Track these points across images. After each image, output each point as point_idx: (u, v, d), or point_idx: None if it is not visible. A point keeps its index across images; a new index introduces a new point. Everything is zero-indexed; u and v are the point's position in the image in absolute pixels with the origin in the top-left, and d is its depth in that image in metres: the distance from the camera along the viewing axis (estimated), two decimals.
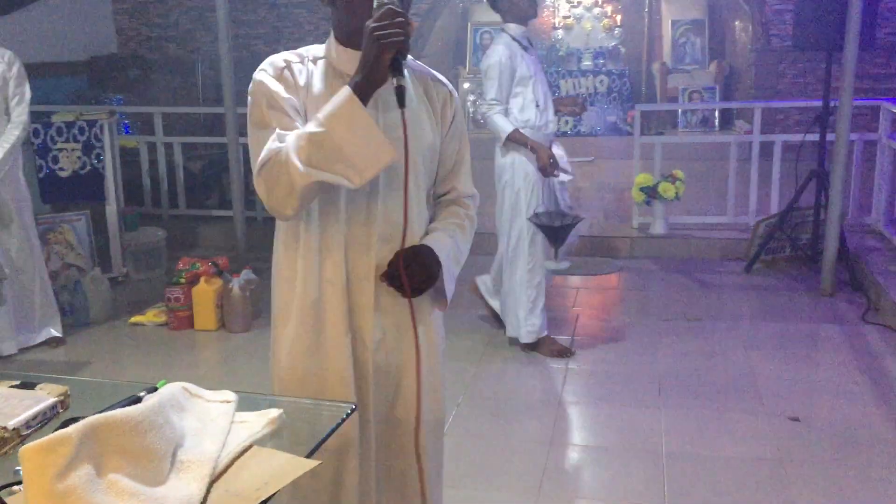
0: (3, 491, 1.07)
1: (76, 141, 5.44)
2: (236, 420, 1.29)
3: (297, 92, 1.70)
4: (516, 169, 4.07)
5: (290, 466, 1.16)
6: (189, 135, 7.45)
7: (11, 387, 1.42)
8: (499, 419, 3.59)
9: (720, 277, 5.50)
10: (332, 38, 1.77)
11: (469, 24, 10.06)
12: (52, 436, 1.00)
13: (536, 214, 4.06)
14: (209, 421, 1.25)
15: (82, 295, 4.86)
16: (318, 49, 1.79)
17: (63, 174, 5.42)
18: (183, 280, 4.73)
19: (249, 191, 6.59)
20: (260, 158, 1.61)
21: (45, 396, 1.37)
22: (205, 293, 4.70)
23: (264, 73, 1.70)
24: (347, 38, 1.72)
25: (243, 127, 7.15)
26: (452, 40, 10.21)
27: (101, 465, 1.02)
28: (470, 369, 4.08)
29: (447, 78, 1.90)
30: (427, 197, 1.86)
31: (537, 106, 4.05)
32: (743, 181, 6.05)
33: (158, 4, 9.65)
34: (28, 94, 4.16)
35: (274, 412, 1.34)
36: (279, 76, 1.70)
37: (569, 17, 10.14)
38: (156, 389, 1.35)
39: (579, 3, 10.16)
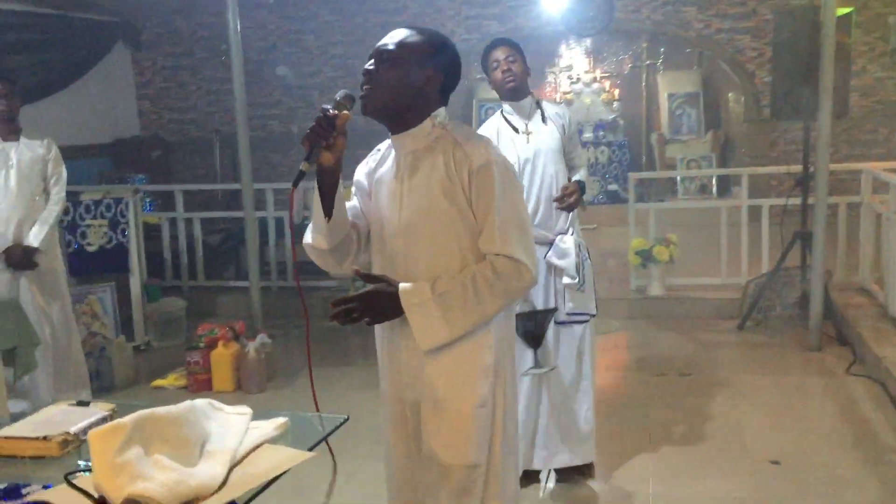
0: (71, 475, 1.35)
1: (103, 217, 5.83)
2: (251, 426, 1.58)
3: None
4: None
5: (294, 457, 1.45)
6: (207, 210, 7.83)
7: (70, 405, 1.72)
8: None
9: (714, 335, 5.75)
10: None
11: (474, 101, 10.53)
12: (112, 422, 1.31)
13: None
14: (229, 426, 1.53)
15: (107, 361, 5.16)
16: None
17: (90, 248, 5.80)
18: (202, 345, 5.03)
19: (264, 262, 6.94)
20: None
21: (97, 411, 1.67)
22: (222, 357, 4.99)
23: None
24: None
25: (259, 202, 7.40)
26: (458, 116, 10.67)
27: (147, 446, 1.31)
28: None
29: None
30: (460, 253, 1.95)
31: None
32: (734, 244, 6.34)
33: (178, 89, 10.23)
34: (64, 174, 4.53)
35: (281, 419, 1.63)
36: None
37: (569, 92, 10.63)
38: None
39: (579, 79, 10.67)
